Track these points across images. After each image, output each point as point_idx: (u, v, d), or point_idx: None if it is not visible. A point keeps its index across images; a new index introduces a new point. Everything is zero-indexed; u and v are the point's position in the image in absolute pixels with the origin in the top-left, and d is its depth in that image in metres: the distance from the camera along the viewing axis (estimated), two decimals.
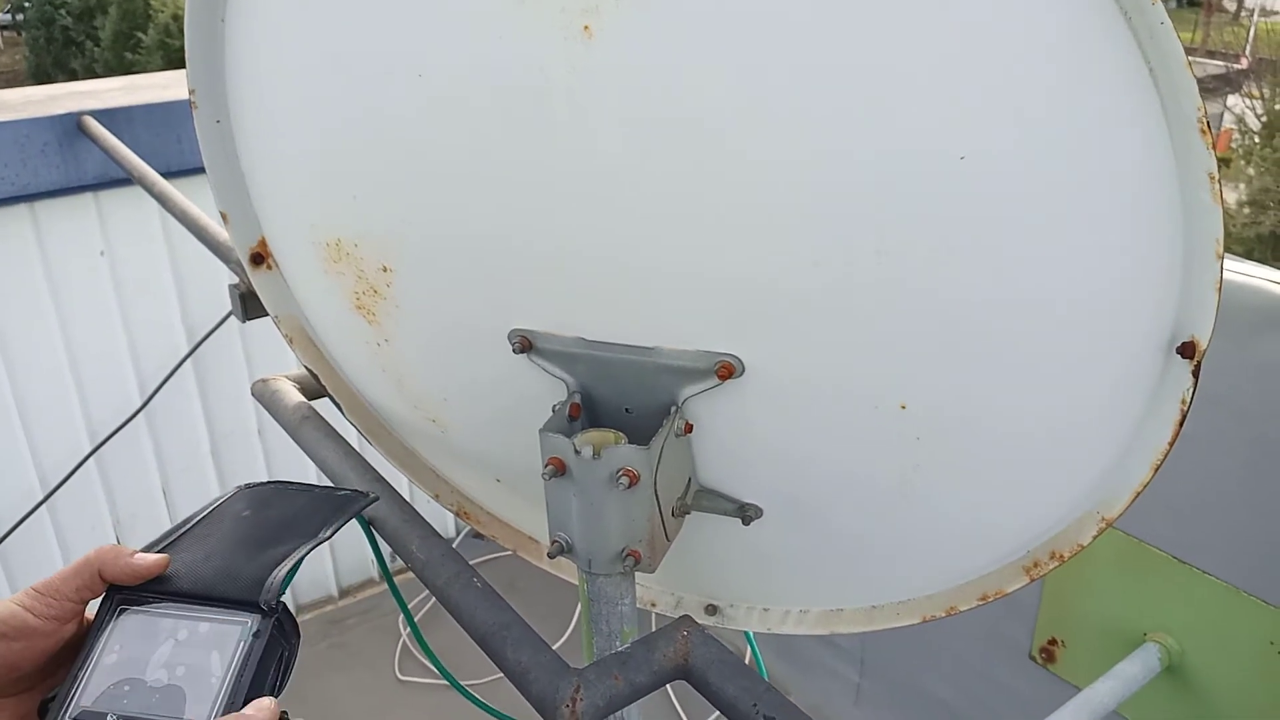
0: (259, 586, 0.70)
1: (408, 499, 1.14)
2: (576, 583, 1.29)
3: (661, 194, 0.83)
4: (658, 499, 0.91)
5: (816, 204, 0.79)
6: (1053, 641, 1.97)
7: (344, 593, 3.79)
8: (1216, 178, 0.70)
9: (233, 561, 0.74)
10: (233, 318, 3.16)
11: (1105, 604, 1.84)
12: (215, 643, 0.70)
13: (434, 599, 0.99)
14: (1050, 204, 0.74)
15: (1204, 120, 0.67)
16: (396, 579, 1.22)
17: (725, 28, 0.74)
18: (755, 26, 0.73)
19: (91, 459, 3.08)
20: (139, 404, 3.11)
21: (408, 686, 3.27)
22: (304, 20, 0.93)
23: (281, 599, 0.72)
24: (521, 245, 0.92)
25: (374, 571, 3.79)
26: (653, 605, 1.27)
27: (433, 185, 0.93)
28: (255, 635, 0.70)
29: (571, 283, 0.92)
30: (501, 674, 0.90)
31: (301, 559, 0.75)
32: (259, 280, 1.20)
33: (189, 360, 3.16)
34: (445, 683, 1.22)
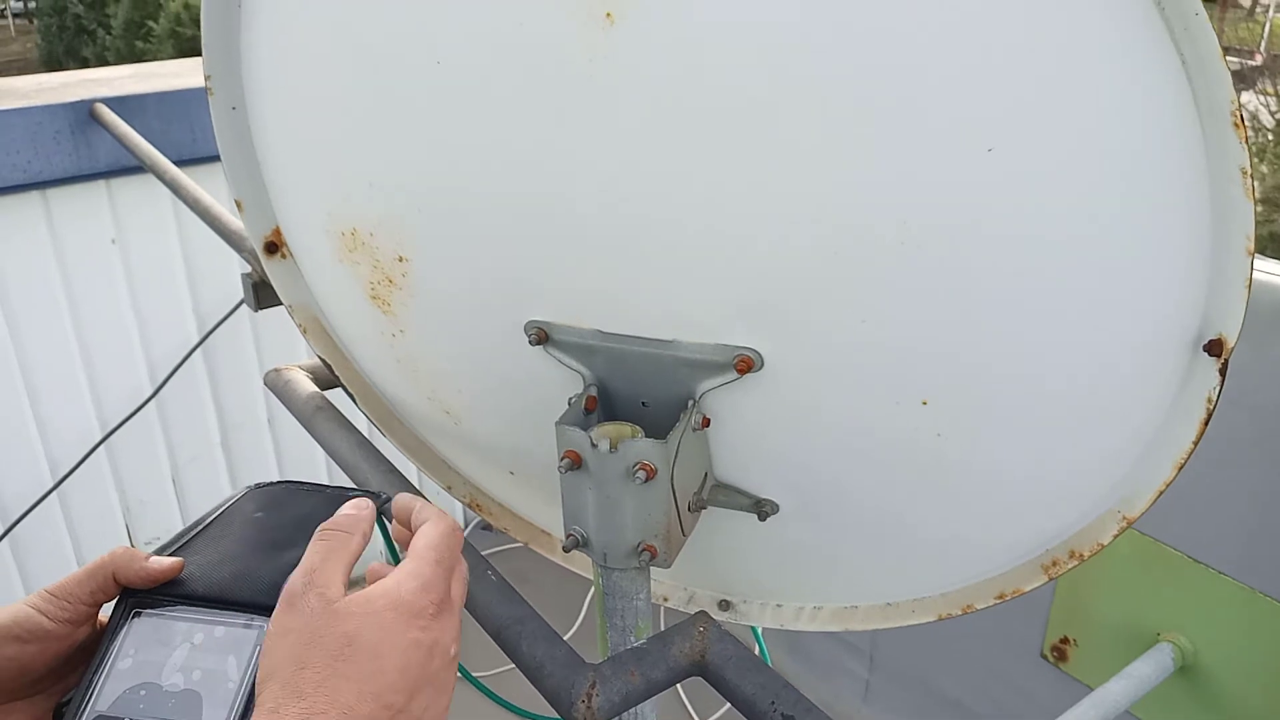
0: (275, 591, 0.69)
1: (418, 489, 1.14)
2: (588, 576, 1.29)
3: (681, 184, 0.82)
4: (674, 493, 0.90)
5: (839, 194, 0.78)
6: (1065, 640, 1.96)
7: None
8: (1249, 173, 0.69)
9: (247, 565, 0.74)
10: (244, 307, 3.16)
11: (1118, 603, 1.83)
12: (231, 647, 0.69)
13: None
14: (1075, 197, 0.73)
15: (1238, 114, 0.66)
16: None
17: (748, 14, 0.73)
18: (780, 15, 0.72)
19: (101, 447, 3.08)
20: (149, 392, 3.11)
21: None
22: (321, 6, 0.92)
23: None
24: (539, 235, 0.91)
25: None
26: (665, 600, 1.26)
27: (450, 174, 0.92)
28: None
29: (589, 273, 0.91)
30: (511, 666, 0.89)
31: None
32: (273, 269, 1.20)
33: (199, 349, 3.16)
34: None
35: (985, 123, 0.71)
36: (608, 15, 0.76)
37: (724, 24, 0.74)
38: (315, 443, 1.27)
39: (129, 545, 3.22)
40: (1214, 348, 0.77)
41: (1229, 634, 1.68)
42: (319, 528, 0.70)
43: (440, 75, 0.86)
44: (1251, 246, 0.71)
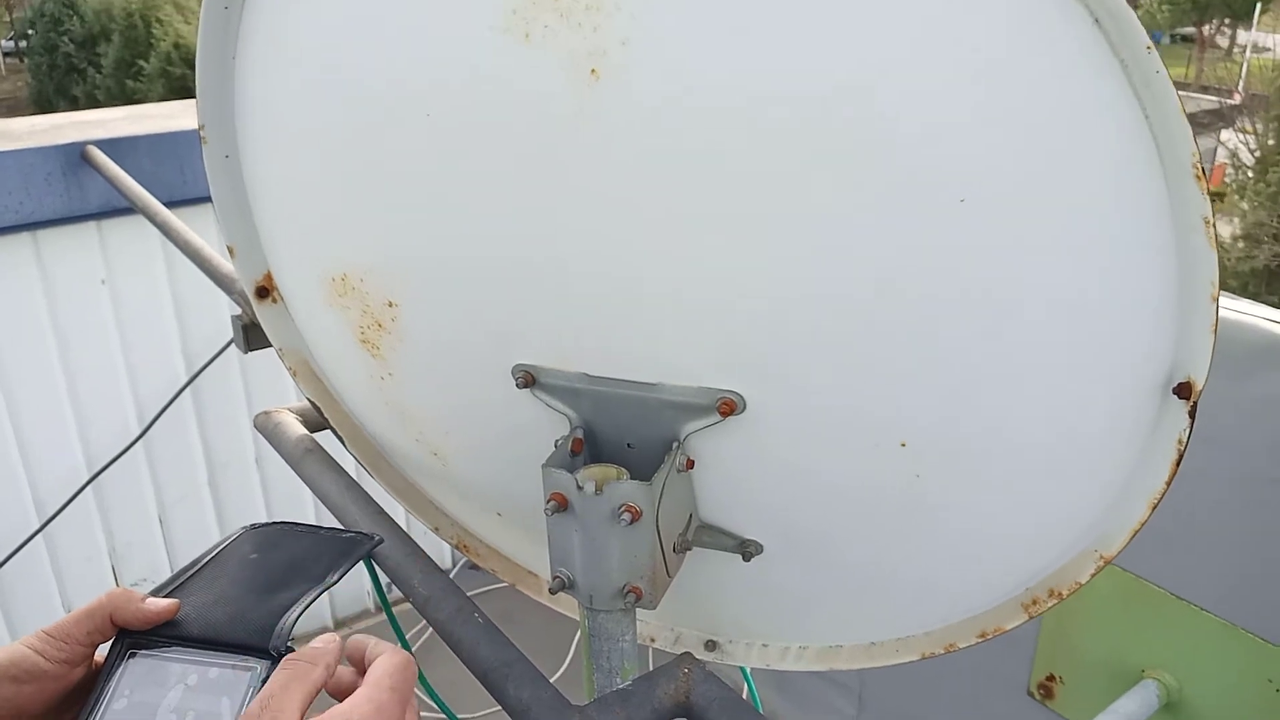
0: (268, 632, 0.70)
1: (405, 530, 1.15)
2: (574, 616, 1.29)
3: (666, 231, 0.84)
4: (659, 535, 0.92)
5: (819, 243, 0.80)
6: (1051, 678, 1.96)
7: (339, 624, 3.77)
8: (1211, 222, 0.71)
9: (242, 606, 0.75)
10: (232, 347, 3.17)
11: (1103, 640, 1.84)
12: (225, 688, 0.70)
13: (429, 632, 1.00)
14: (1048, 247, 0.76)
15: (1198, 166, 0.69)
16: (393, 609, 1.22)
17: (728, 69, 0.76)
18: (757, 66, 0.75)
19: (89, 487, 3.07)
20: (137, 432, 3.11)
21: None
22: (314, 60, 0.95)
23: (290, 644, 0.72)
24: (527, 281, 0.93)
25: (369, 603, 3.77)
26: (651, 641, 1.27)
27: (440, 222, 0.95)
28: (265, 681, 0.70)
29: (576, 318, 0.93)
30: (498, 708, 0.90)
31: (310, 603, 0.75)
32: (264, 313, 1.21)
33: (188, 390, 3.16)
34: (441, 716, 1.22)
35: (958, 180, 0.74)
36: (593, 72, 0.78)
37: (705, 84, 0.76)
38: (303, 485, 1.28)
39: (115, 586, 3.21)
40: (1183, 390, 0.79)
41: (1213, 670, 1.69)
42: (284, 657, 0.70)
43: (430, 128, 0.88)
44: (1216, 293, 0.73)
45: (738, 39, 0.74)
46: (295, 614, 0.74)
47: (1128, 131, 0.70)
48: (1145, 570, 1.76)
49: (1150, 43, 0.66)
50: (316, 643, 0.72)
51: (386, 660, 0.72)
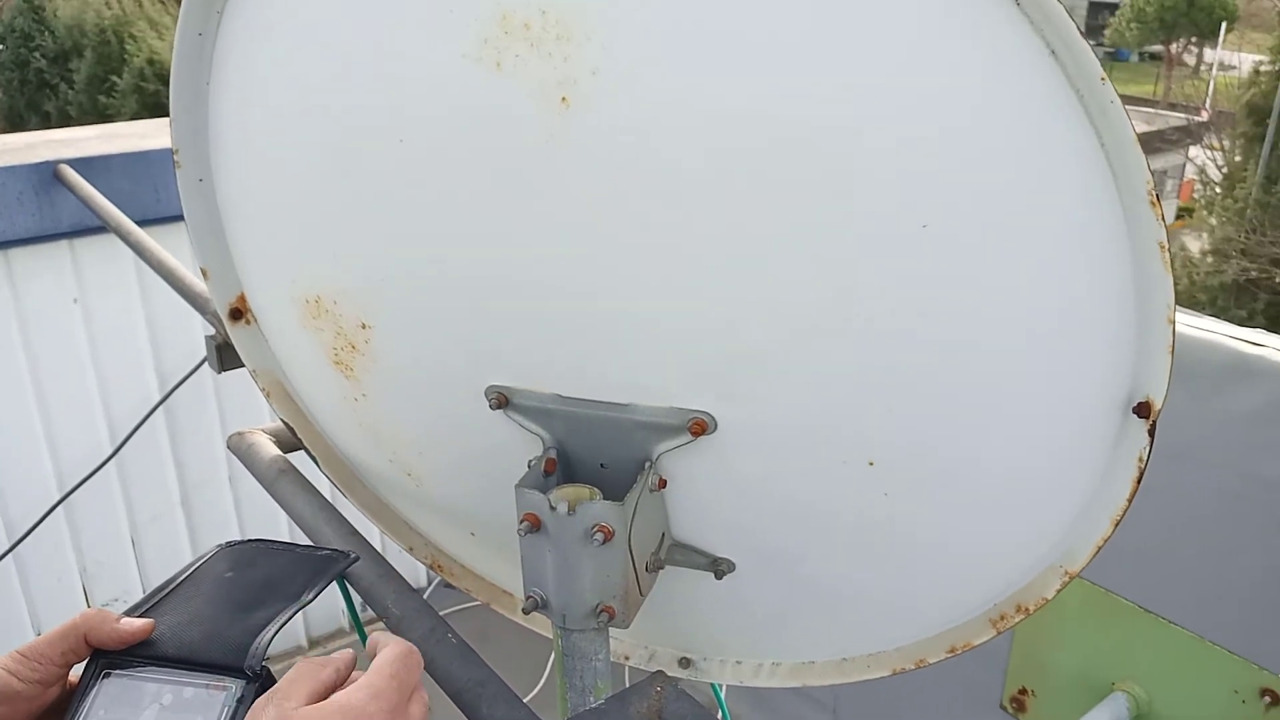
0: (243, 652, 0.70)
1: (379, 550, 1.15)
2: (549, 635, 1.30)
3: (636, 255, 0.86)
4: (632, 554, 0.93)
5: (786, 266, 0.81)
6: (1023, 691, 1.98)
7: (313, 643, 3.74)
8: (1166, 247, 0.73)
9: (217, 625, 0.75)
10: (205, 367, 3.16)
11: (1074, 653, 1.86)
12: (200, 708, 0.70)
13: None
14: (1009, 271, 0.77)
15: (1153, 193, 0.71)
16: (365, 629, 1.22)
17: (695, 98, 0.77)
18: (724, 95, 0.76)
19: (60, 507, 3.04)
20: (109, 452, 3.09)
21: None
22: (287, 84, 0.96)
23: (265, 663, 0.73)
24: (500, 304, 0.94)
25: (344, 622, 3.75)
26: (626, 659, 1.27)
27: (413, 245, 0.95)
28: (240, 701, 0.70)
29: (548, 340, 0.94)
30: None
31: (285, 622, 0.76)
32: (237, 335, 1.21)
33: (160, 409, 3.14)
34: None
35: (919, 207, 0.75)
36: (564, 100, 0.80)
37: (673, 113, 0.78)
38: (277, 505, 1.28)
39: (86, 606, 3.17)
40: (1143, 410, 0.81)
41: (1181, 682, 1.72)
42: (300, 658, 0.72)
43: (403, 153, 0.89)
44: (1172, 315, 0.75)
45: (705, 69, 0.76)
46: (270, 633, 0.74)
47: (1084, 159, 0.71)
48: (1115, 584, 1.78)
49: (1104, 74, 0.68)
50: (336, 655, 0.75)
51: (389, 650, 0.75)
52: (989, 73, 0.71)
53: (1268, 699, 1.58)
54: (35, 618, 3.11)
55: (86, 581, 3.19)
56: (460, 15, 0.82)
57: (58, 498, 3.03)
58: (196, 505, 3.33)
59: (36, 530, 3.00)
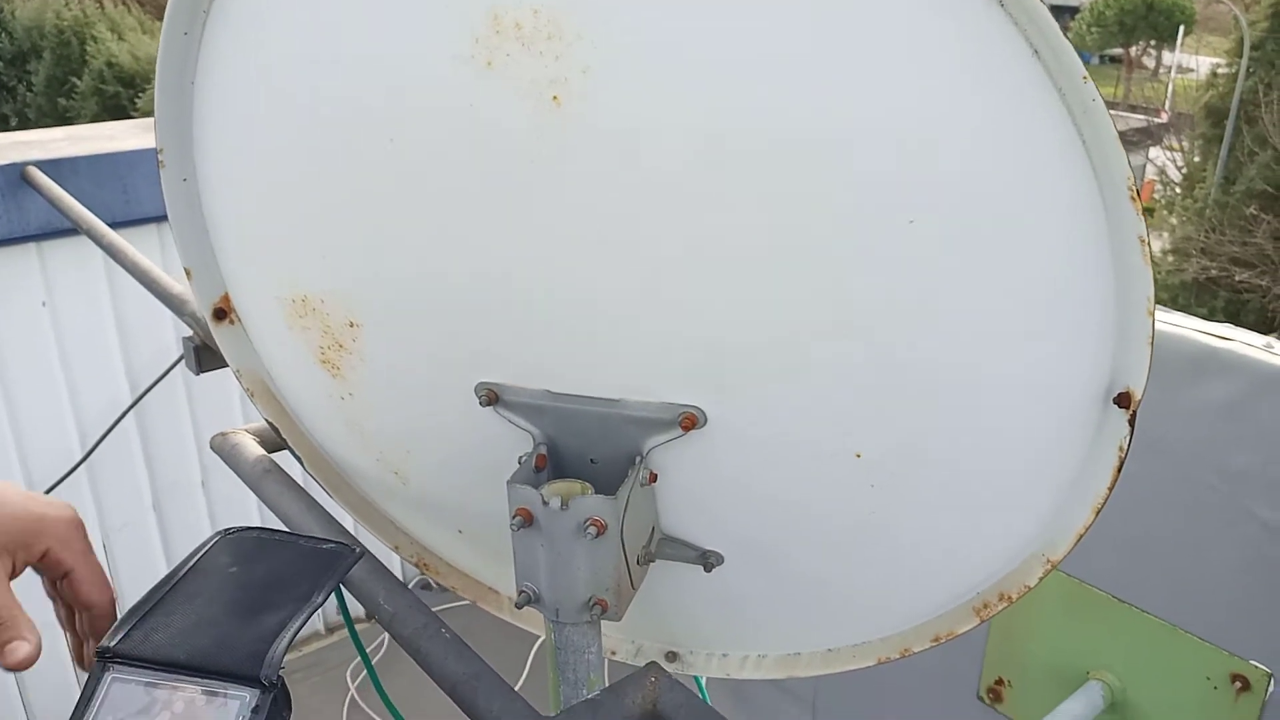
0: (257, 660, 0.69)
1: (366, 549, 1.15)
2: (534, 631, 1.31)
3: (626, 252, 0.87)
4: (624, 548, 0.94)
5: (775, 265, 0.83)
6: (1000, 682, 2.01)
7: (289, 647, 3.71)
8: (1146, 241, 0.76)
9: (227, 630, 0.74)
10: (176, 370, 3.13)
11: (1050, 644, 1.88)
12: (213, 717, 0.69)
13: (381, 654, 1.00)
14: (993, 266, 0.79)
15: (1133, 189, 0.73)
16: (334, 636, 1.22)
17: (686, 96, 0.78)
18: (714, 94, 0.78)
19: None
20: (80, 457, 3.05)
21: None
22: (273, 84, 0.96)
23: (280, 672, 0.72)
24: (490, 300, 0.95)
25: (320, 625, 3.73)
26: (612, 654, 1.28)
27: (402, 243, 0.96)
28: (254, 711, 0.69)
29: (539, 337, 0.95)
30: None
31: (300, 628, 0.75)
32: (221, 335, 1.21)
33: (132, 413, 3.11)
34: None
35: (906, 202, 0.77)
36: (555, 99, 0.80)
37: (663, 111, 0.79)
38: (251, 507, 1.28)
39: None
40: (1123, 400, 0.83)
41: (1155, 670, 1.75)
42: None
43: (392, 152, 0.90)
44: (1152, 307, 0.78)
45: (696, 67, 0.77)
46: (285, 641, 0.72)
47: (1066, 156, 0.73)
48: (1089, 576, 1.81)
49: (1086, 72, 0.70)
50: None
51: None
52: (972, 72, 0.73)
53: (1238, 685, 1.62)
54: None
55: None
56: (451, 14, 0.82)
57: None
58: (169, 510, 3.30)
59: None
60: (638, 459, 0.95)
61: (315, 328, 1.08)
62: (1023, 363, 0.84)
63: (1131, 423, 0.84)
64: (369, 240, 0.98)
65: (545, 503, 0.91)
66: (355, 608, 1.09)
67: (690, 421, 0.93)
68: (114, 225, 2.44)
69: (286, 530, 0.84)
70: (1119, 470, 0.87)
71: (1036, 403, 0.86)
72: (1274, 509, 1.64)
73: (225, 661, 0.71)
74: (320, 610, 3.92)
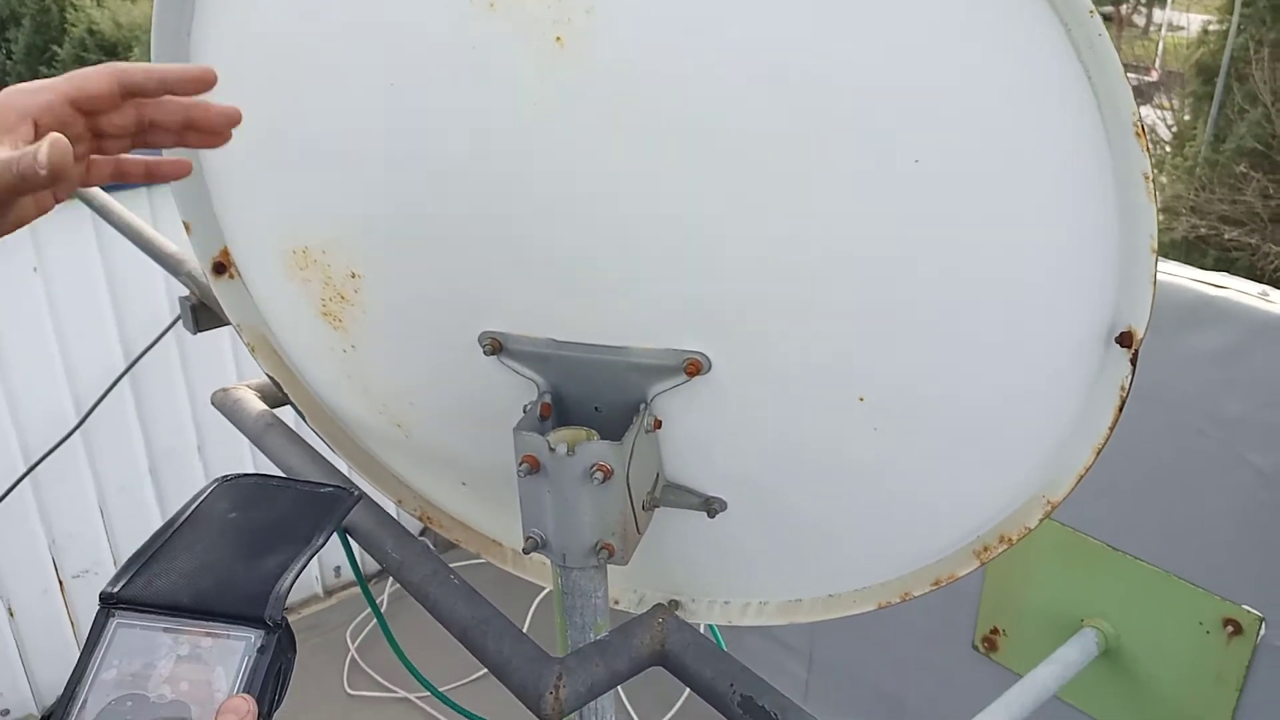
0: (261, 601, 0.69)
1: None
2: (534, 583, 1.32)
3: (629, 197, 0.87)
4: (630, 493, 0.94)
5: (780, 207, 0.83)
6: (995, 631, 2.04)
7: (287, 609, 3.73)
8: (1150, 178, 0.76)
9: (230, 572, 0.74)
10: (171, 333, 3.12)
11: (1044, 592, 1.91)
12: (219, 658, 0.69)
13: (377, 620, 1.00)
14: (998, 204, 0.79)
15: (1139, 124, 0.73)
16: (333, 599, 1.22)
17: (689, 35, 0.78)
18: (719, 33, 0.77)
19: (26, 480, 3.01)
20: (75, 422, 3.05)
21: (357, 700, 3.24)
22: (271, 31, 0.95)
23: (284, 614, 0.73)
24: (493, 249, 0.95)
25: (318, 588, 3.74)
26: (615, 602, 1.29)
27: (404, 191, 0.96)
28: (260, 650, 0.70)
29: (542, 285, 0.95)
30: (468, 679, 0.91)
31: (302, 569, 0.75)
32: (221, 289, 1.21)
33: (126, 377, 3.11)
34: (394, 695, 1.24)
35: (911, 142, 0.77)
36: (558, 40, 0.80)
37: (666, 51, 0.78)
38: (248, 468, 1.28)
39: (56, 579, 3.15)
40: (1125, 339, 0.84)
41: (1148, 617, 1.77)
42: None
43: (394, 98, 0.89)
44: (1155, 245, 0.78)
45: (702, 7, 0.77)
46: (288, 581, 0.73)
47: (1071, 91, 0.73)
48: (1083, 523, 1.83)
49: (1092, 6, 0.70)
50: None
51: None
52: (975, 8, 0.73)
53: (1230, 629, 1.64)
54: (5, 593, 3.08)
55: (56, 554, 3.15)
56: None
57: (23, 470, 2.99)
58: (165, 474, 3.30)
59: (3, 504, 2.96)
60: (642, 405, 0.96)
61: (316, 279, 1.08)
62: (1025, 302, 0.84)
63: (1133, 362, 0.84)
64: (370, 188, 0.97)
65: (552, 449, 0.92)
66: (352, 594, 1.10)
67: (694, 367, 0.93)
68: (105, 188, 2.41)
69: (284, 475, 0.84)
70: (1120, 410, 0.88)
71: (1038, 342, 0.87)
72: (1268, 455, 1.66)
73: (229, 603, 0.72)
74: (319, 575, 3.93)
